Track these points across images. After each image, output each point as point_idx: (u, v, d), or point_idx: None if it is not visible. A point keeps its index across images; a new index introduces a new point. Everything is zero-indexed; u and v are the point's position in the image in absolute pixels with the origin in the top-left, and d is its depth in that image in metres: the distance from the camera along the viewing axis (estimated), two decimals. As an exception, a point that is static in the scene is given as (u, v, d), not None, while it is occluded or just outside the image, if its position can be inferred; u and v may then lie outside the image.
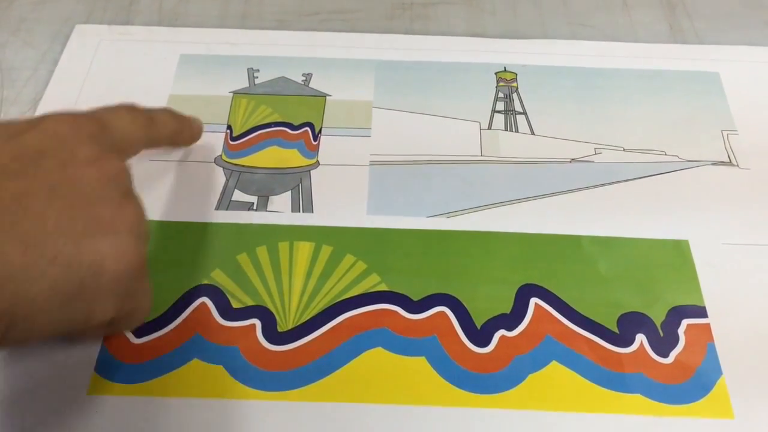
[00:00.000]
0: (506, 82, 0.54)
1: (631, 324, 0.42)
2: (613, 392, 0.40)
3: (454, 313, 0.42)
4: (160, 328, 0.41)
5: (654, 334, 0.42)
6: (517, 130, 0.52)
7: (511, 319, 0.42)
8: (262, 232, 0.46)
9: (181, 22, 0.59)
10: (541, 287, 0.43)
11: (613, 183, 0.49)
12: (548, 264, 0.44)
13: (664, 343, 0.41)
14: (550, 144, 0.51)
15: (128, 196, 0.35)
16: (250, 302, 0.42)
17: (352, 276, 0.44)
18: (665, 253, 0.45)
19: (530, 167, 0.49)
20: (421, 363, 0.40)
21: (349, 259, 0.44)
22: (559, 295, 0.43)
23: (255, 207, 0.47)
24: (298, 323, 0.42)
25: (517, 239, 0.46)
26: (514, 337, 0.41)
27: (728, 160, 0.50)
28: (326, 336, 0.41)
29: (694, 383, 0.40)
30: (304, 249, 0.45)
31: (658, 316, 0.42)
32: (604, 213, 0.47)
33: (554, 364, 0.40)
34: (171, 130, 0.45)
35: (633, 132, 0.52)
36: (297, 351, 0.41)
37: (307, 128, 0.51)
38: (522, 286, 0.43)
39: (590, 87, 0.54)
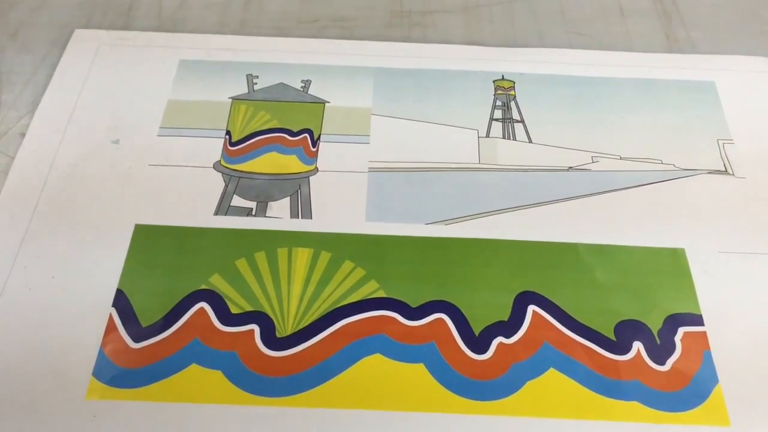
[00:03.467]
0: (504, 91, 0.55)
1: (628, 331, 0.42)
2: (610, 399, 0.40)
3: (452, 320, 0.42)
4: (159, 333, 0.41)
5: (651, 341, 0.42)
6: (514, 138, 0.52)
7: (508, 327, 0.42)
8: (261, 238, 0.46)
9: (180, 28, 0.59)
10: (539, 295, 0.44)
11: (610, 191, 0.49)
12: (546, 272, 0.45)
13: (660, 350, 0.42)
14: (547, 152, 0.51)
15: None
16: (248, 308, 0.42)
17: (350, 282, 0.44)
18: (662, 261, 0.45)
19: (528, 175, 0.50)
20: (419, 369, 0.40)
21: (347, 265, 0.44)
22: (556, 303, 0.43)
23: (254, 212, 0.47)
24: (297, 329, 0.42)
25: (515, 247, 0.46)
26: (512, 344, 0.42)
27: (724, 169, 0.51)
28: (325, 342, 0.41)
29: (690, 391, 0.40)
30: (302, 255, 0.45)
31: (654, 324, 0.43)
32: (601, 221, 0.47)
33: (552, 372, 0.41)
34: None
35: (630, 140, 0.52)
36: (296, 357, 0.41)
37: (306, 134, 0.51)
38: (520, 293, 0.44)
39: (587, 96, 0.55)
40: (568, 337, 0.42)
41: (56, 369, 0.40)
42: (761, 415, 0.40)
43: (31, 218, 0.46)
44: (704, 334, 0.42)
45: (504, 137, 0.52)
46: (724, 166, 0.51)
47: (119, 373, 0.40)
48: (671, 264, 0.45)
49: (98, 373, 0.40)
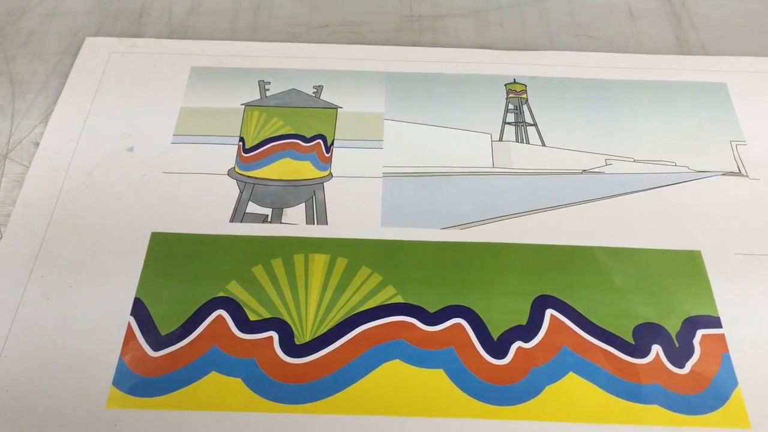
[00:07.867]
0: (516, 94, 0.55)
1: (646, 335, 0.42)
2: (631, 403, 0.40)
3: (470, 325, 0.42)
4: (178, 341, 0.41)
5: (669, 344, 0.42)
6: (528, 142, 0.52)
7: (527, 331, 0.42)
8: (277, 245, 0.46)
9: (191, 35, 0.59)
10: (557, 298, 0.44)
11: (625, 194, 0.49)
12: (562, 275, 0.45)
13: (679, 353, 0.42)
14: (561, 155, 0.51)
15: None
16: (266, 314, 0.42)
17: (368, 288, 0.44)
18: (678, 264, 0.45)
19: (542, 178, 0.50)
20: (439, 375, 0.40)
21: (364, 271, 0.44)
22: (574, 307, 0.43)
23: (269, 219, 0.47)
24: (316, 336, 0.42)
25: (531, 250, 0.46)
26: (530, 348, 0.42)
27: (738, 170, 0.51)
28: (344, 348, 0.41)
29: (710, 393, 0.40)
30: (319, 261, 0.45)
31: (673, 327, 0.43)
32: (616, 224, 0.47)
33: (571, 376, 0.41)
34: None
35: (642, 143, 0.52)
36: (315, 363, 0.41)
37: (320, 140, 0.51)
38: (537, 297, 0.44)
39: (599, 98, 0.55)
40: (587, 340, 0.42)
41: (76, 378, 0.40)
42: (782, 417, 0.40)
43: (47, 227, 0.46)
44: (722, 336, 0.42)
45: (517, 141, 0.52)
46: (738, 167, 0.51)
47: (139, 381, 0.40)
48: (688, 266, 0.45)
49: (118, 382, 0.40)
